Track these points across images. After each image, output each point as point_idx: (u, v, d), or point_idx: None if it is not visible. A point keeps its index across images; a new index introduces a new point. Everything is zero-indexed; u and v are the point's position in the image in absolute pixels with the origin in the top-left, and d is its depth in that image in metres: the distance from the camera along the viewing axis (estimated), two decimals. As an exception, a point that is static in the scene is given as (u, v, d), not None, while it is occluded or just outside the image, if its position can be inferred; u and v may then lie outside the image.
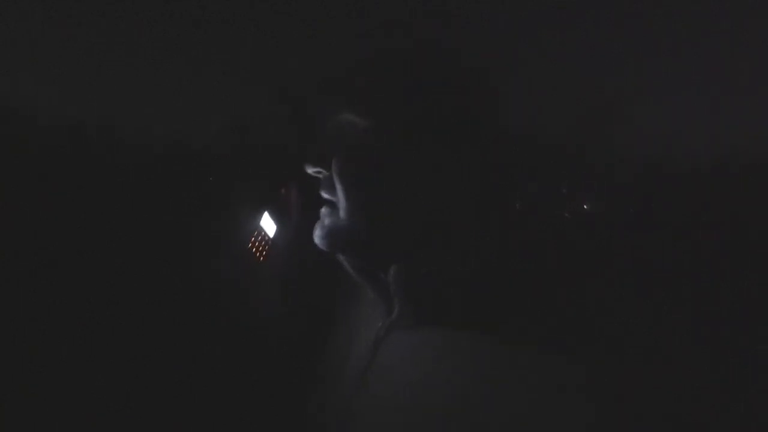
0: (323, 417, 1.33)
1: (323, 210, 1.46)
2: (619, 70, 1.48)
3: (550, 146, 1.62)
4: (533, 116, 1.61)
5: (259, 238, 1.49)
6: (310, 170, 1.34)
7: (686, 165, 1.54)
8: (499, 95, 1.62)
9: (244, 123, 1.60)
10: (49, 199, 1.35)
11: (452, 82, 1.65)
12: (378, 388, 1.46)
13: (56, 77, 1.39)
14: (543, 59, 1.55)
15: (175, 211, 1.47)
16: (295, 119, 1.55)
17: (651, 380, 1.34)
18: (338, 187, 1.35)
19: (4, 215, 1.28)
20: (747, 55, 1.35)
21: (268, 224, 1.51)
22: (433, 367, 1.43)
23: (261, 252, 1.50)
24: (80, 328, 1.28)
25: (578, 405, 1.28)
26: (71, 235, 1.35)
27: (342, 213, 1.32)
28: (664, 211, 1.55)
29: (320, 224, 1.38)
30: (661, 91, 1.47)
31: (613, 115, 1.56)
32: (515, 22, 1.53)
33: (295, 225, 1.53)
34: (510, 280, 1.67)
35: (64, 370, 1.20)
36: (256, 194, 1.53)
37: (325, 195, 1.49)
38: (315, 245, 1.37)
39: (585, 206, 1.61)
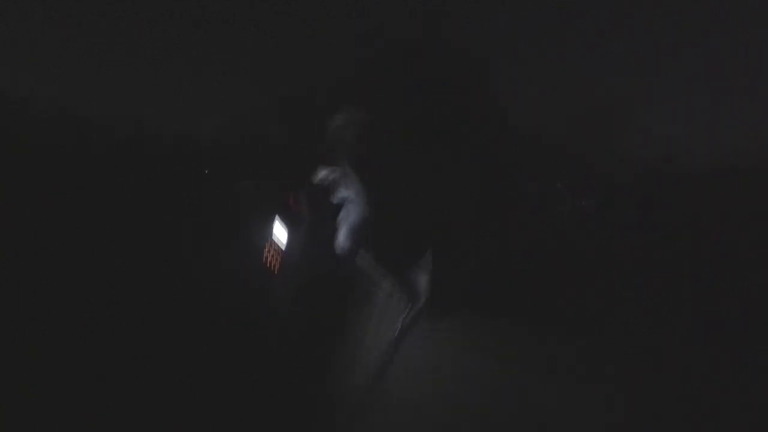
0: (334, 411, 1.35)
1: (342, 212, 1.49)
2: (620, 71, 1.50)
3: (550, 146, 1.64)
4: (534, 116, 1.63)
5: (272, 246, 1.50)
6: (322, 174, 1.38)
7: (686, 166, 1.56)
8: (500, 95, 1.64)
9: (250, 124, 1.59)
10: (59, 202, 1.33)
11: (453, 81, 1.66)
12: (395, 382, 1.48)
13: (63, 77, 1.37)
14: (543, 60, 1.56)
15: (187, 215, 1.46)
16: (301, 120, 1.55)
17: (652, 378, 1.34)
18: (353, 187, 1.39)
19: (14, 214, 1.26)
20: (747, 58, 1.37)
21: (279, 232, 1.53)
22: (450, 361, 1.46)
23: (273, 259, 1.51)
24: (89, 329, 1.28)
25: (583, 401, 1.32)
26: (77, 238, 1.33)
27: (360, 211, 1.41)
28: (664, 212, 1.57)
29: (342, 225, 1.47)
30: (661, 93, 1.49)
31: (613, 116, 1.58)
32: (516, 23, 1.55)
33: (306, 230, 1.54)
34: (510, 278, 1.70)
35: (88, 368, 1.20)
36: (267, 199, 1.53)
37: (340, 196, 1.49)
38: (332, 248, 1.41)
39: (583, 205, 1.64)
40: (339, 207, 1.44)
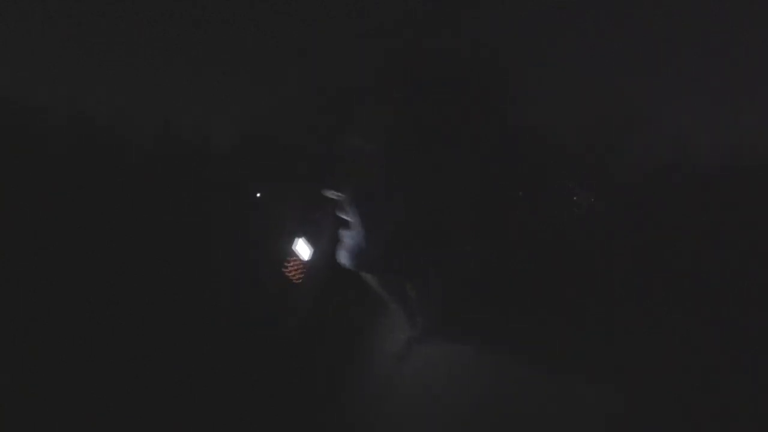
0: (345, 421, 1.35)
1: (343, 231, 1.48)
2: (628, 70, 1.52)
3: (558, 146, 1.66)
4: (541, 117, 1.64)
5: (294, 259, 1.51)
6: (329, 194, 1.38)
7: (695, 165, 1.59)
8: (509, 94, 1.64)
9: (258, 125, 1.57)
10: (65, 205, 1.29)
11: (459, 85, 1.66)
12: (400, 396, 1.49)
13: (70, 79, 1.33)
14: (549, 60, 1.57)
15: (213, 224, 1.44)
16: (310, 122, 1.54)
17: (653, 378, 1.34)
18: (352, 211, 1.41)
19: (27, 213, 1.22)
20: (756, 58, 1.40)
21: (302, 248, 1.54)
22: (453, 376, 1.47)
23: (297, 271, 1.52)
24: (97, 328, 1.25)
25: (586, 406, 1.33)
26: (85, 240, 1.30)
27: (358, 234, 1.40)
28: (668, 212, 1.60)
29: (342, 245, 1.48)
30: (669, 92, 1.51)
31: (622, 115, 1.61)
32: (519, 23, 1.55)
33: (327, 244, 1.55)
34: (511, 280, 1.70)
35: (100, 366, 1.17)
36: (293, 214, 1.52)
37: (342, 216, 1.48)
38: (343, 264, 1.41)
39: (592, 204, 1.66)
40: (345, 225, 1.45)
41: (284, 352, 1.42)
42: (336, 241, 1.45)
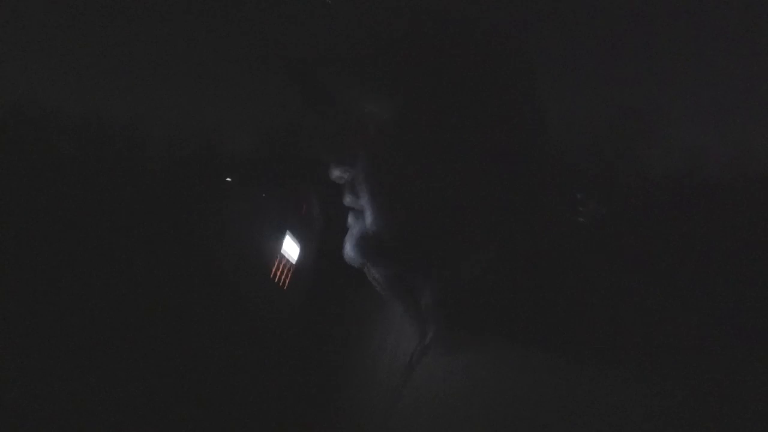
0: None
1: (349, 220, 1.38)
2: (640, 81, 1.36)
3: (568, 155, 1.49)
4: (552, 127, 1.48)
5: (282, 260, 1.43)
6: (333, 176, 1.26)
7: (707, 175, 1.42)
8: (529, 92, 1.49)
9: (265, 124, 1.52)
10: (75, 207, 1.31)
11: (488, 80, 1.51)
12: (410, 408, 1.37)
13: (78, 81, 1.35)
14: (560, 69, 1.41)
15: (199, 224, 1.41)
16: (316, 116, 1.45)
17: (655, 382, 1.23)
18: (363, 192, 1.26)
19: (40, 211, 1.25)
20: (763, 72, 1.21)
21: (290, 246, 1.46)
22: (464, 387, 1.34)
23: (285, 273, 1.44)
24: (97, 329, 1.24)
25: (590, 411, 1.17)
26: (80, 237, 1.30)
27: (369, 220, 1.31)
28: (683, 220, 1.44)
29: (349, 235, 1.37)
30: (678, 106, 1.34)
31: (634, 125, 1.43)
32: (532, 35, 1.40)
33: (318, 241, 1.47)
34: (516, 286, 1.55)
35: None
36: (279, 210, 1.46)
37: (349, 203, 1.40)
38: (343, 259, 1.30)
39: (601, 214, 1.50)
40: (352, 213, 1.33)
41: (277, 367, 1.35)
42: (326, 238, 1.35)
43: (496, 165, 1.53)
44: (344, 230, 1.35)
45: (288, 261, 1.43)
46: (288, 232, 1.44)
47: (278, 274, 1.40)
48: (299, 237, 1.46)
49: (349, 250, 1.31)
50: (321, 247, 1.44)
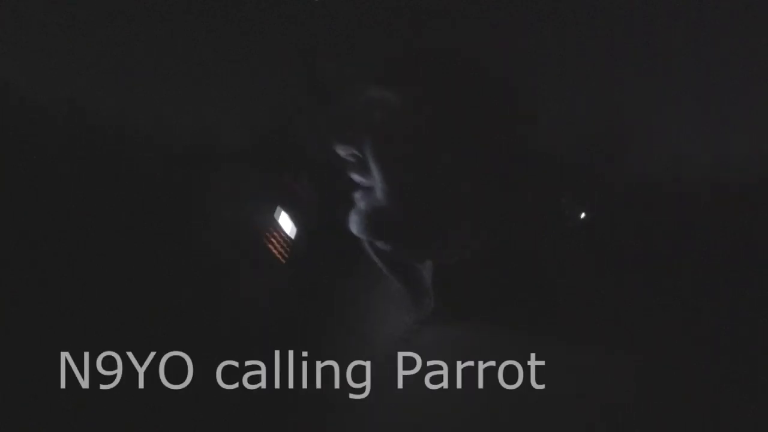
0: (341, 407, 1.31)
1: (357, 195, 1.32)
2: (625, 80, 1.43)
3: (554, 158, 1.55)
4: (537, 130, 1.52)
5: (278, 237, 1.44)
6: (342, 153, 1.26)
7: (692, 177, 1.53)
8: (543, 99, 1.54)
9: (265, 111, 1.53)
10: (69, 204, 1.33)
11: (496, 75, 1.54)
12: (404, 384, 1.43)
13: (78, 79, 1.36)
14: (545, 70, 1.46)
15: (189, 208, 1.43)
16: (324, 98, 1.45)
17: (650, 378, 1.30)
18: (374, 169, 1.21)
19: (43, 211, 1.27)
20: (756, 67, 1.31)
21: (285, 222, 1.46)
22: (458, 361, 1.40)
23: (281, 250, 1.45)
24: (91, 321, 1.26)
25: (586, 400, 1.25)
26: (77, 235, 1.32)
27: (379, 195, 1.24)
28: (669, 223, 1.54)
29: (355, 210, 1.30)
30: (666, 107, 1.44)
31: (618, 126, 1.50)
32: (516, 28, 1.43)
33: (312, 219, 1.47)
34: (509, 275, 1.61)
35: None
36: (271, 190, 1.47)
37: (357, 178, 1.31)
38: (337, 235, 1.31)
39: (586, 218, 1.56)
40: (359, 189, 1.34)
41: (277, 340, 1.37)
42: (322, 218, 1.37)
43: (495, 163, 1.59)
44: (337, 207, 1.39)
45: (285, 235, 1.44)
46: (282, 208, 1.45)
47: (274, 247, 1.42)
48: (293, 213, 1.47)
49: (354, 224, 1.36)
50: (316, 223, 1.46)
